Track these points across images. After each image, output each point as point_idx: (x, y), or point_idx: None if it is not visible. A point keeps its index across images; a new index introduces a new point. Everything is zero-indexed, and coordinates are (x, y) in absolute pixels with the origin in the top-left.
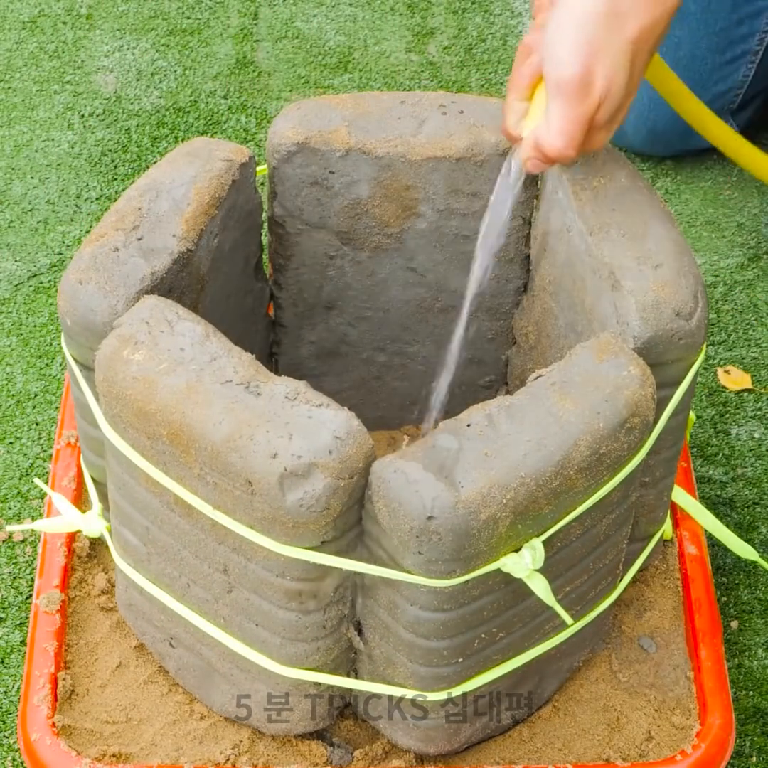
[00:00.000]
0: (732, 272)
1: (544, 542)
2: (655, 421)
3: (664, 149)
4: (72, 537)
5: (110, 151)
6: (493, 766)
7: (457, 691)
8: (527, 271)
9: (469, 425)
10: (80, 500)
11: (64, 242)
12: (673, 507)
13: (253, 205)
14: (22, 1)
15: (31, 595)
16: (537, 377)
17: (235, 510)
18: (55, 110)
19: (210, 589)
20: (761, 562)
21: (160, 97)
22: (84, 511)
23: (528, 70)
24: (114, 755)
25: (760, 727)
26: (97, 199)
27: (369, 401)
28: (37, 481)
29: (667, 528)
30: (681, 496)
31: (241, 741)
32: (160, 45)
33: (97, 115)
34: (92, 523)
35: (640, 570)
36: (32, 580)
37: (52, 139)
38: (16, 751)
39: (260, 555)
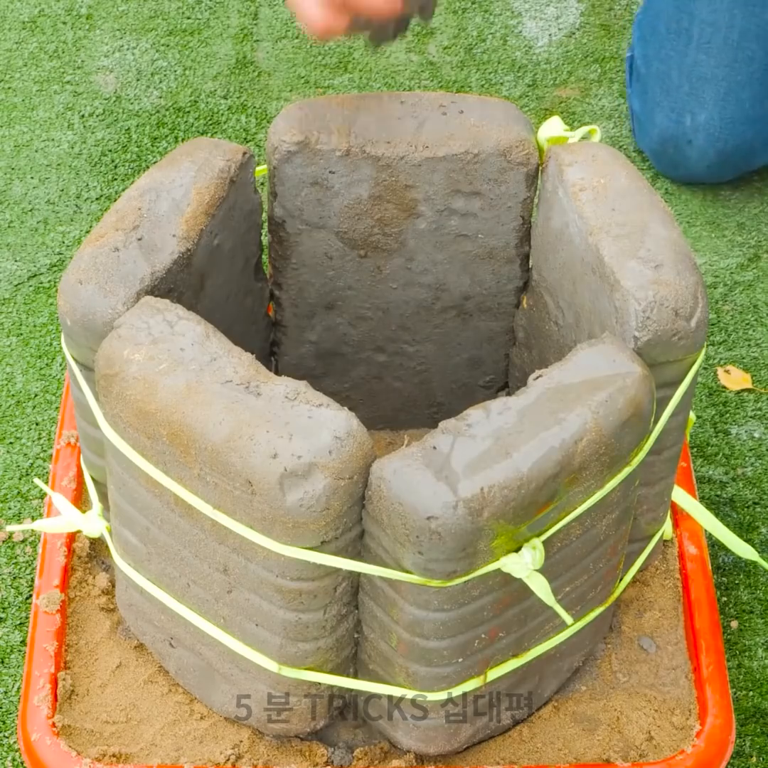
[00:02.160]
0: (732, 272)
1: (544, 542)
2: (655, 421)
3: (728, 172)
4: (72, 537)
5: (110, 151)
6: (493, 766)
7: (457, 691)
8: (527, 270)
9: (469, 425)
10: (80, 500)
11: (64, 242)
12: (673, 507)
13: (253, 205)
14: (22, 1)
15: (31, 595)
16: (537, 377)
17: (235, 510)
18: (55, 110)
19: (210, 589)
20: (761, 562)
21: (160, 97)
22: (84, 511)
23: None
24: (114, 755)
25: (760, 727)
26: (97, 199)
27: (369, 401)
28: (37, 481)
29: (667, 528)
30: (681, 496)
31: (241, 741)
32: (160, 45)
33: (97, 115)
34: (92, 523)
35: (640, 570)
36: (32, 580)
37: (52, 139)
38: (16, 751)
39: (260, 555)
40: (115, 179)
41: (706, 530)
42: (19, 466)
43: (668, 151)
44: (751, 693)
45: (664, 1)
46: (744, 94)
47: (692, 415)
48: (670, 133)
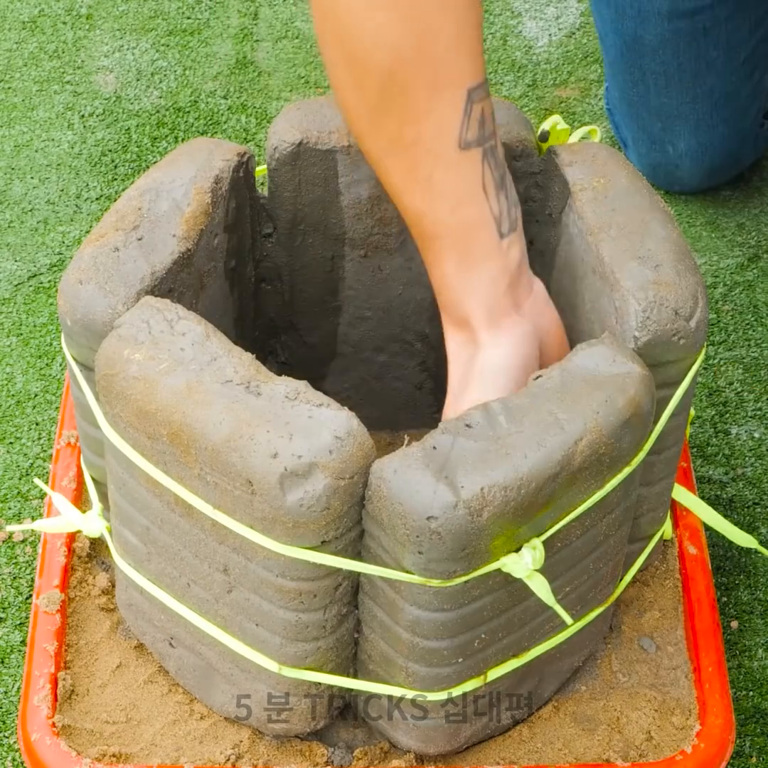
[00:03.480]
0: (732, 272)
1: (544, 542)
2: (655, 422)
3: (721, 179)
4: (72, 537)
5: (110, 151)
6: (493, 766)
7: (457, 691)
8: None
9: (468, 425)
10: (80, 500)
11: (64, 242)
12: (673, 506)
13: (253, 205)
14: (22, 1)
15: (31, 595)
16: (537, 377)
17: (235, 510)
18: (55, 110)
19: (210, 589)
20: (761, 549)
21: (160, 97)
22: (84, 511)
23: None
24: (114, 755)
25: (761, 727)
26: (97, 199)
27: (369, 401)
28: (37, 481)
29: (667, 528)
30: (679, 492)
31: (241, 741)
32: (160, 45)
33: (97, 115)
34: (92, 523)
35: (640, 570)
36: (32, 580)
37: (52, 139)
38: (16, 751)
39: (260, 555)
40: (115, 179)
41: (705, 529)
42: (19, 466)
43: (659, 174)
44: (751, 693)
45: (616, 53)
46: (713, 120)
47: (691, 411)
48: (657, 161)
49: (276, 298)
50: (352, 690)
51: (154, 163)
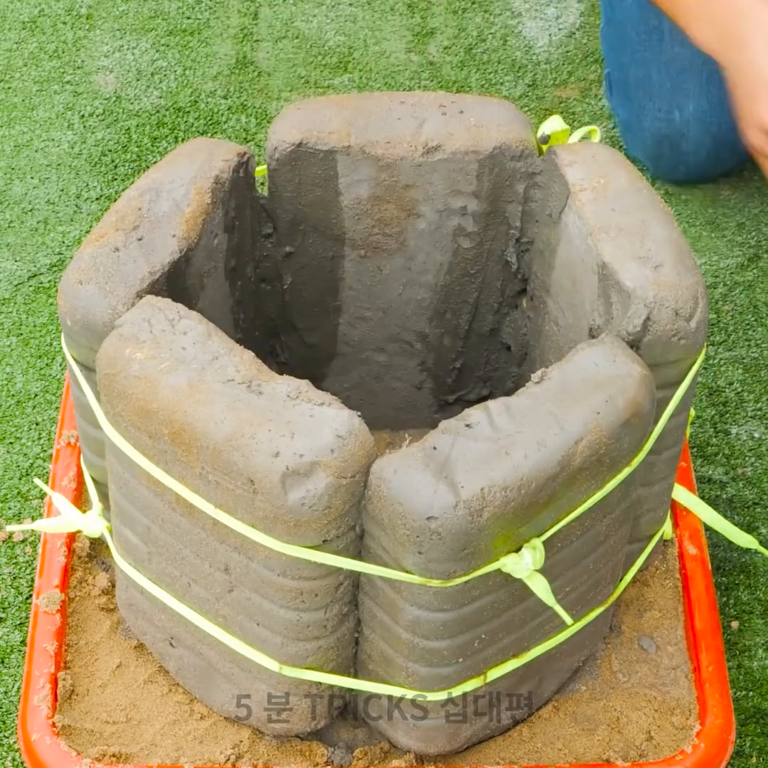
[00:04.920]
0: (732, 272)
1: (545, 542)
2: (656, 422)
3: (727, 158)
4: (72, 537)
5: (110, 151)
6: (493, 766)
7: (457, 691)
8: (527, 271)
9: (468, 425)
10: (80, 500)
11: (64, 242)
12: (673, 506)
13: (253, 206)
14: (22, 1)
15: (31, 595)
16: (537, 377)
17: (236, 509)
18: (55, 110)
19: (211, 589)
20: (761, 549)
21: (160, 97)
22: (84, 511)
23: None
24: (114, 755)
25: (761, 727)
26: (97, 199)
27: (369, 401)
28: (37, 481)
29: (667, 528)
30: (679, 492)
31: (241, 741)
32: (160, 45)
33: (97, 115)
34: (92, 523)
35: (640, 570)
36: (32, 580)
37: (52, 139)
38: (16, 751)
39: (262, 554)
40: (115, 179)
41: (705, 529)
42: (19, 466)
43: (664, 151)
44: (751, 693)
45: (627, 8)
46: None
47: (691, 411)
48: (662, 133)
49: (276, 298)
50: (352, 690)
51: (154, 163)
